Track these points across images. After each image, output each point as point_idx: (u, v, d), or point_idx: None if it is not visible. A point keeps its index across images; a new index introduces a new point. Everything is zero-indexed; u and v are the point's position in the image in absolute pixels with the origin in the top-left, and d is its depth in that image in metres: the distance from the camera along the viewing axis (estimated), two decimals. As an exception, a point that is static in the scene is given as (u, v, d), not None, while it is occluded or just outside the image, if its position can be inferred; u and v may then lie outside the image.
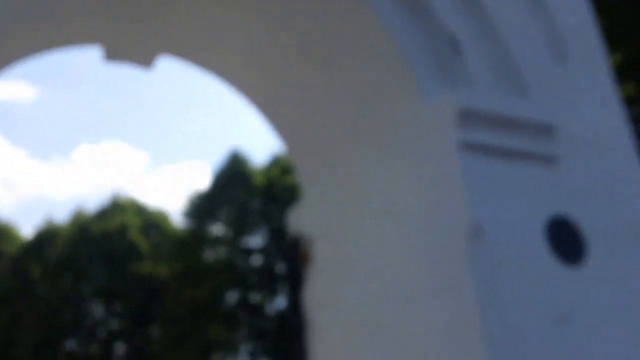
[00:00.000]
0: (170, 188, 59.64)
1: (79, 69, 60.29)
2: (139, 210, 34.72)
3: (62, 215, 55.75)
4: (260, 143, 58.91)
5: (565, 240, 2.61)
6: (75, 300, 32.49)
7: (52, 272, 32.31)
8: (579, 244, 2.64)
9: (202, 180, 56.16)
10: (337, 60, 2.99)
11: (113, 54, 3.23)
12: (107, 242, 32.57)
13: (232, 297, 32.18)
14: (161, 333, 31.44)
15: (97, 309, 33.25)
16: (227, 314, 31.72)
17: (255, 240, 32.88)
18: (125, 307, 32.67)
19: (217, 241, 32.53)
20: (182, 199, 53.97)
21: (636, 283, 2.74)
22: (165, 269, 32.64)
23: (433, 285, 2.49)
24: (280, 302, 32.21)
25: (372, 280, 2.85)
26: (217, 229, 32.97)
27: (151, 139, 64.18)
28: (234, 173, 33.26)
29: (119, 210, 34.01)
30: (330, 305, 3.17)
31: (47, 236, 33.61)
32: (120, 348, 33.28)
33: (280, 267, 32.24)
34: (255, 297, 32.05)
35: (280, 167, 33.53)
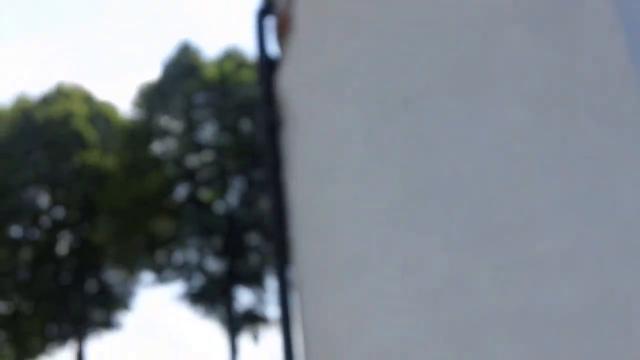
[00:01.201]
0: (117, 81, 57.76)
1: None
2: (85, 98, 33.26)
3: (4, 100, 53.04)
4: (213, 40, 57.04)
5: None
6: (17, 186, 31.34)
7: (-8, 157, 30.96)
8: None
9: (150, 74, 54.28)
10: None
11: None
12: (50, 129, 31.21)
13: (180, 192, 31.40)
14: (106, 225, 30.65)
15: (41, 198, 32.17)
16: (175, 209, 31.00)
17: (207, 135, 31.93)
18: (70, 196, 31.64)
19: (166, 134, 31.47)
20: (129, 92, 52.29)
21: None
22: (112, 160, 31.59)
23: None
24: (230, 200, 31.57)
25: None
26: (166, 122, 31.87)
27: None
28: (184, 65, 31.93)
29: (64, 97, 32.51)
30: (315, 95, 2.39)
31: (-13, 119, 32.07)
32: (65, 237, 32.42)
33: (231, 165, 31.45)
34: (204, 194, 31.29)
35: (234, 62, 32.32)
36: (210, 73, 31.29)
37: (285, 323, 2.50)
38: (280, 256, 2.53)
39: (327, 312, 2.35)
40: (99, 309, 32.96)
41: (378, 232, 2.16)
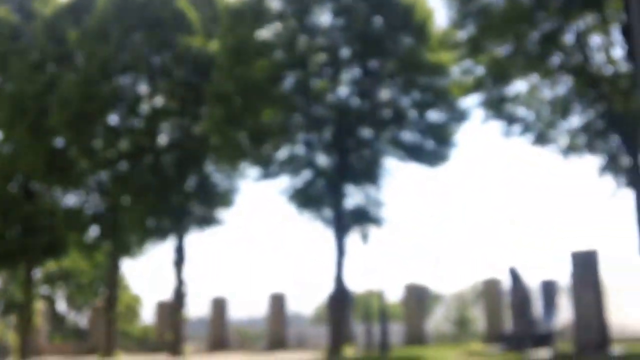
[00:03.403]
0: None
1: None
2: (186, -23, 30.50)
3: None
4: None
5: None
6: (114, 72, 29.26)
7: (90, 39, 28.79)
8: None
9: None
10: None
11: None
12: (151, 9, 28.70)
13: (289, 80, 28.67)
14: (210, 113, 28.37)
15: (140, 85, 30.04)
16: (283, 99, 28.35)
17: (319, 18, 28.89)
18: (171, 83, 29.39)
19: (275, 16, 28.53)
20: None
21: None
22: (216, 45, 29.00)
23: None
24: (342, 90, 28.77)
25: None
26: (276, 3, 28.90)
27: None
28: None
29: (164, -28, 29.81)
30: None
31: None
32: (165, 126, 30.41)
33: (345, 51, 28.50)
34: (315, 83, 28.46)
35: None
36: (324, -53, 28.02)
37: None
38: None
39: None
40: (200, 203, 31.24)
41: None
